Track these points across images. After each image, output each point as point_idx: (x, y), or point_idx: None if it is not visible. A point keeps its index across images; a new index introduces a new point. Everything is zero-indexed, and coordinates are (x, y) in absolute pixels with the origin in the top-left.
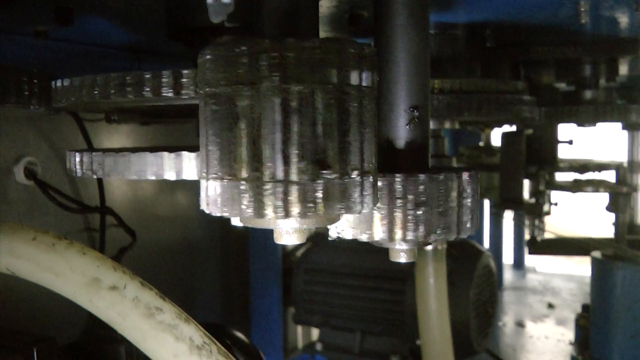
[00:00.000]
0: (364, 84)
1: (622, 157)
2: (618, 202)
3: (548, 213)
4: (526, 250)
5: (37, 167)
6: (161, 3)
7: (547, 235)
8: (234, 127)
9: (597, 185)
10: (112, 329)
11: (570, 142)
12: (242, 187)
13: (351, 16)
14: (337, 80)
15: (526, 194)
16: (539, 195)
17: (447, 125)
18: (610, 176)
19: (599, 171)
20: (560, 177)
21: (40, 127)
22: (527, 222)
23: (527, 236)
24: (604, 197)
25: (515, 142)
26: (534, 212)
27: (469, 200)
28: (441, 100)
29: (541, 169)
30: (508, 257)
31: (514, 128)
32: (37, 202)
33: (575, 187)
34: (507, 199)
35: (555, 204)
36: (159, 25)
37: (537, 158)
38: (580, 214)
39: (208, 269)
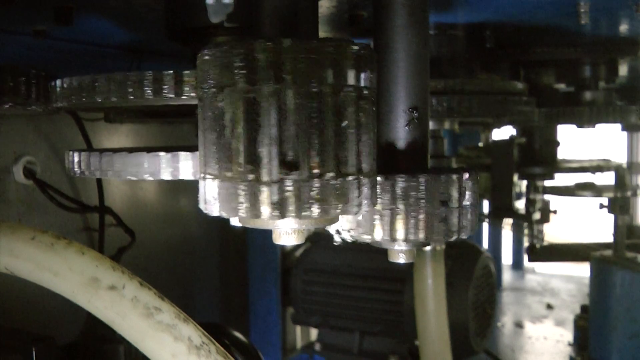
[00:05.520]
0: (350, 83)
1: (622, 159)
2: (617, 204)
3: (547, 220)
4: (525, 256)
5: (37, 167)
6: (161, 3)
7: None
8: (218, 127)
9: (596, 191)
10: (111, 329)
11: (557, 144)
12: (231, 187)
13: (351, 16)
14: (318, 80)
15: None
16: (530, 204)
17: (447, 125)
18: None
19: (599, 172)
20: (560, 180)
21: (39, 126)
22: (525, 230)
23: (526, 243)
24: (603, 199)
25: (506, 151)
26: (528, 220)
27: (469, 200)
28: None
29: (537, 176)
30: (507, 257)
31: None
32: (36, 202)
33: (571, 190)
34: (498, 207)
35: (555, 212)
36: (159, 25)
37: (535, 159)
38: (580, 217)
39: (207, 269)
